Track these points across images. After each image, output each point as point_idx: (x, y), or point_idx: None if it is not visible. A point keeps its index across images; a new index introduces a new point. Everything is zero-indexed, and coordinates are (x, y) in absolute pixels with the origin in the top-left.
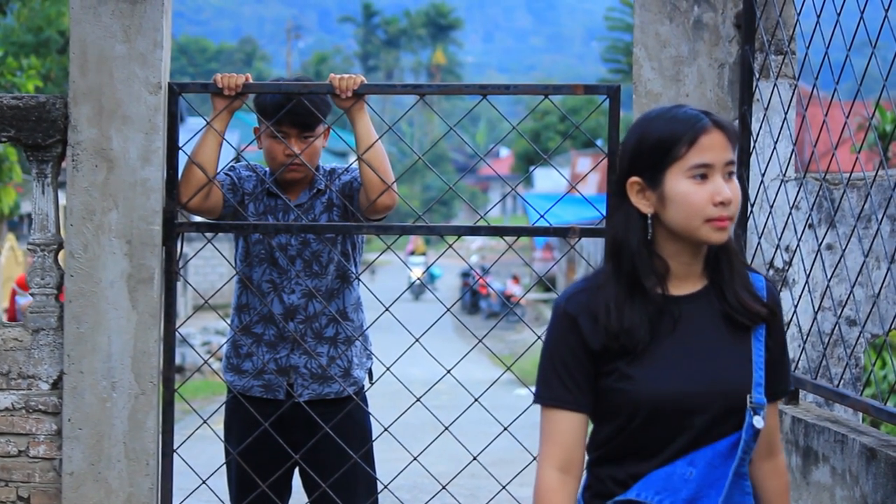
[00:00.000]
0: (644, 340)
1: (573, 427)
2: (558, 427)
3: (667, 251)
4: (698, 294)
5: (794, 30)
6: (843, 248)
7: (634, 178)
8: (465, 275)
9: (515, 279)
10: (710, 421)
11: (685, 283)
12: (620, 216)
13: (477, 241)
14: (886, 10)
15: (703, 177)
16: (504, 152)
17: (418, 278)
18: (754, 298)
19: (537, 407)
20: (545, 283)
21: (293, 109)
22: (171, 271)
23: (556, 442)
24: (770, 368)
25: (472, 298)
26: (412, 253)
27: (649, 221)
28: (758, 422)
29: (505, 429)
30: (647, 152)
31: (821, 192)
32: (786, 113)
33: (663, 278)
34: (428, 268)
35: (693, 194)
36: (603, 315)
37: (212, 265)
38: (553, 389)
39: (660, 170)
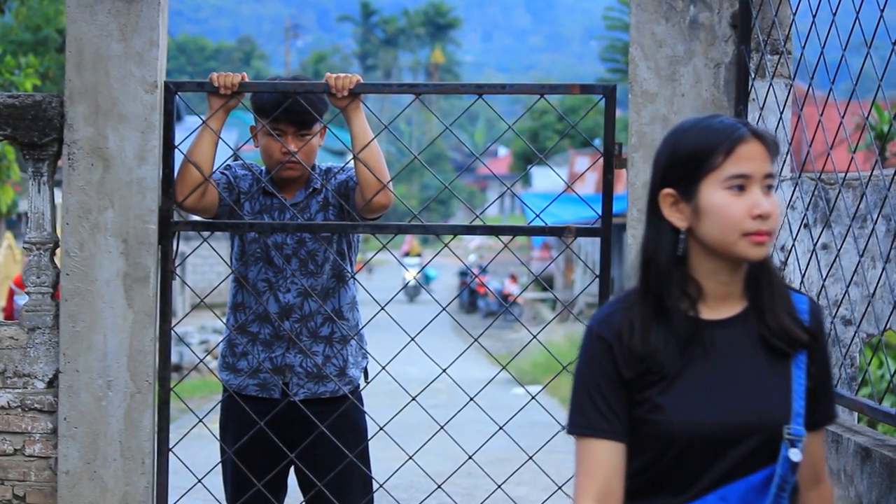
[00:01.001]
0: (671, 366)
1: (611, 457)
2: (595, 457)
3: (701, 270)
4: (737, 318)
5: (789, 29)
6: (839, 247)
7: (667, 190)
8: (463, 274)
9: (513, 278)
10: (744, 453)
11: (723, 306)
12: (651, 230)
13: (475, 241)
14: (882, 10)
15: (741, 188)
16: (503, 151)
17: (414, 277)
18: (795, 323)
19: (533, 406)
20: (542, 282)
21: (290, 107)
22: (168, 270)
23: (593, 473)
24: (812, 396)
25: (469, 298)
26: (407, 254)
27: (682, 237)
28: (794, 455)
29: (500, 428)
30: (681, 162)
31: (816, 192)
32: (781, 113)
33: (695, 301)
34: (422, 269)
35: (730, 206)
36: (626, 335)
37: (210, 264)
38: (588, 417)
39: (694, 181)
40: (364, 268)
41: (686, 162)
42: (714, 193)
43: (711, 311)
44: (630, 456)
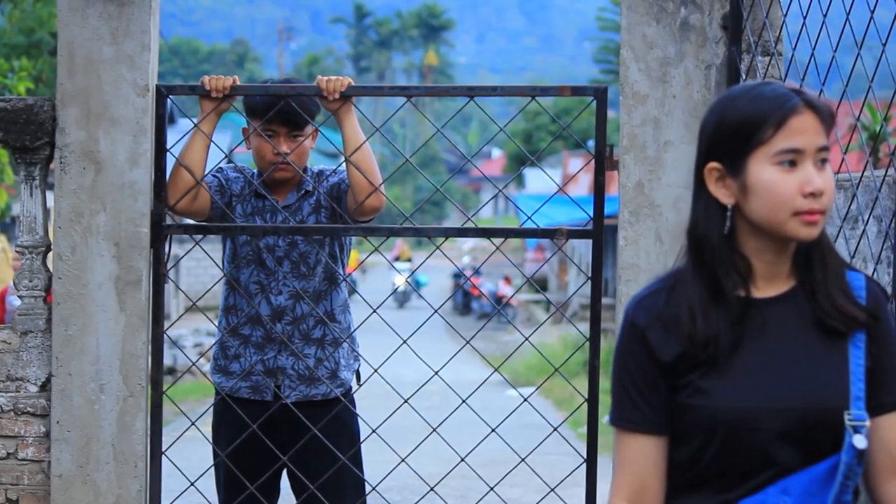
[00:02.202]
0: (727, 350)
1: (646, 451)
2: (630, 452)
3: (749, 247)
4: (785, 296)
5: (780, 31)
6: None
7: (713, 164)
8: (457, 276)
9: (507, 280)
10: (802, 441)
11: (770, 285)
12: (699, 207)
13: (468, 243)
14: (872, 11)
15: (792, 164)
16: (496, 153)
17: (405, 280)
18: (850, 301)
19: (527, 408)
20: (534, 284)
21: (282, 108)
22: (160, 273)
23: (628, 470)
24: (875, 378)
25: (463, 299)
26: (397, 259)
27: (728, 213)
28: (859, 441)
29: (493, 430)
30: (728, 134)
31: None
32: None
33: (745, 279)
34: (412, 273)
35: (780, 183)
36: (686, 321)
37: (203, 267)
38: (623, 408)
39: (742, 155)
40: (359, 268)
41: (733, 134)
42: (763, 169)
43: (759, 290)
44: (674, 447)
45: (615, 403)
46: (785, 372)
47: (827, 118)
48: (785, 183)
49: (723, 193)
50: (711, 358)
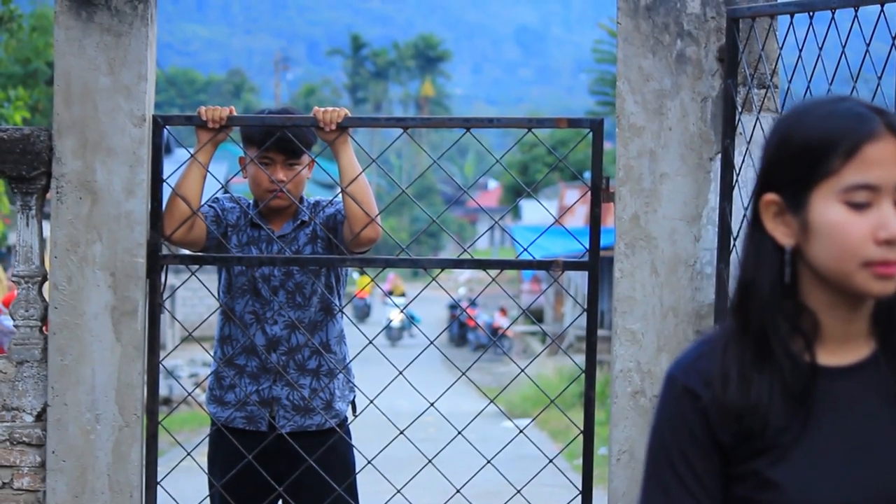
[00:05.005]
0: (779, 427)
1: None
2: None
3: (815, 301)
4: (863, 365)
5: (776, 63)
6: None
7: (770, 196)
8: (453, 307)
9: (503, 312)
10: None
11: (844, 348)
12: (750, 248)
13: (465, 274)
14: (868, 44)
15: (865, 203)
16: (492, 184)
17: (401, 311)
18: None
19: (522, 439)
20: (529, 316)
21: (279, 136)
22: (156, 303)
23: None
24: None
25: (459, 331)
26: (390, 293)
27: (787, 257)
28: None
29: (488, 461)
30: (789, 160)
31: None
32: None
33: (810, 340)
34: (407, 305)
35: (848, 226)
36: (719, 385)
37: (199, 297)
38: (672, 497)
39: (804, 187)
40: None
41: (795, 161)
42: (828, 207)
43: (831, 355)
44: None
45: (660, 490)
46: (867, 460)
47: None
48: (855, 226)
49: (781, 232)
50: (776, 443)
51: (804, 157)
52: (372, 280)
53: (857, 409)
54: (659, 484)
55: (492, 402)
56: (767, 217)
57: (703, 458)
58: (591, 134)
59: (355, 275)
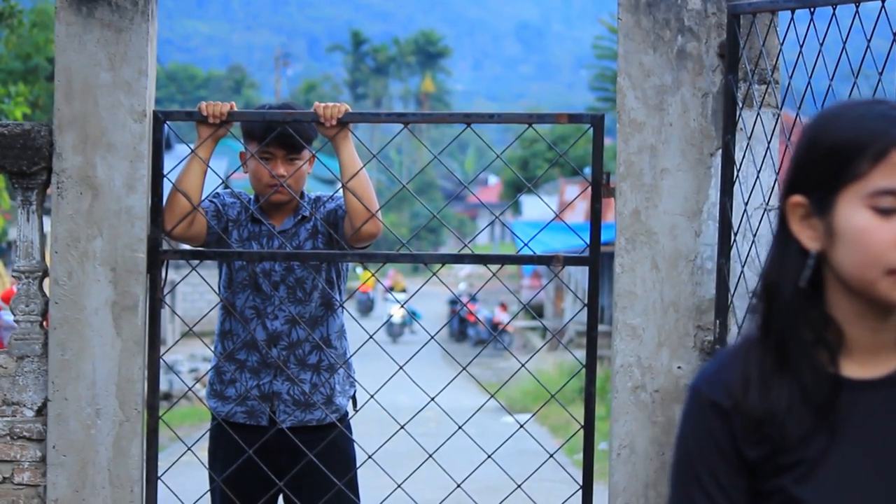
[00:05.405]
0: (801, 439)
1: None
2: None
3: (841, 309)
4: (893, 378)
5: (777, 59)
6: None
7: (797, 198)
8: (453, 303)
9: (503, 307)
10: None
11: (874, 361)
12: (776, 250)
13: (465, 269)
14: (869, 39)
15: (892, 209)
16: (493, 180)
17: (402, 306)
18: None
19: (523, 434)
20: (530, 311)
21: (280, 130)
22: (156, 298)
23: None
24: None
25: (459, 326)
26: (390, 289)
27: (809, 262)
28: None
29: (489, 456)
30: (817, 162)
31: None
32: (769, 142)
33: (835, 351)
34: (408, 300)
35: (873, 232)
36: (739, 390)
37: (200, 292)
38: None
39: (831, 190)
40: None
41: (823, 162)
42: (854, 212)
43: (858, 367)
44: None
45: (686, 502)
46: (894, 479)
47: None
48: (880, 232)
49: (807, 235)
50: (803, 459)
51: (832, 159)
52: (373, 275)
53: (885, 425)
54: (684, 496)
55: (492, 397)
56: (794, 219)
57: (728, 471)
58: (591, 129)
59: (359, 269)
